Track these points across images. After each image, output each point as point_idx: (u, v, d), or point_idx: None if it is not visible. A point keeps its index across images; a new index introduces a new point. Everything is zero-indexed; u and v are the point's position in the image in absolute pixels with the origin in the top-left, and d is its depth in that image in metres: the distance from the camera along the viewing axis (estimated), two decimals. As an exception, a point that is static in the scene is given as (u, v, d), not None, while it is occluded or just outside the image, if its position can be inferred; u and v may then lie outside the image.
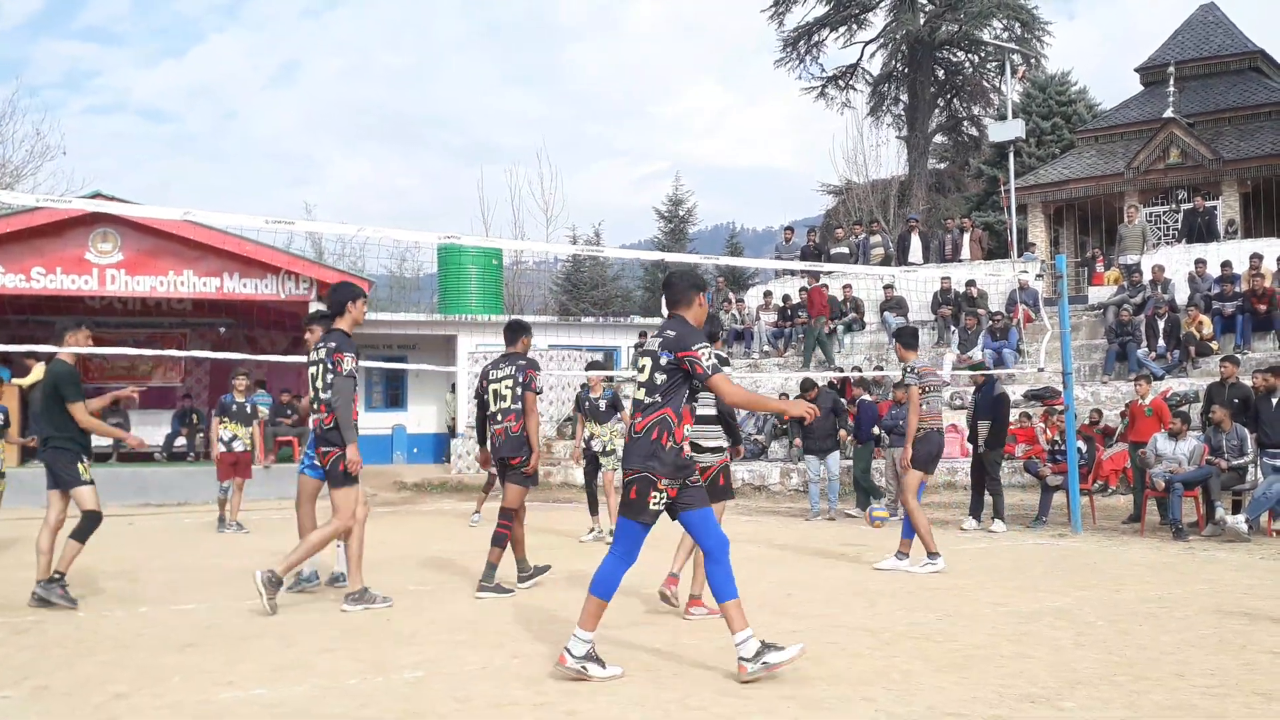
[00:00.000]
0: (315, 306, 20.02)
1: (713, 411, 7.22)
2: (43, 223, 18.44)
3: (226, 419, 13.63)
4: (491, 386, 8.33)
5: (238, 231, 18.96)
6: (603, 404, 12.26)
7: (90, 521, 7.77)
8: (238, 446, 13.56)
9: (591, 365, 13.37)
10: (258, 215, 9.32)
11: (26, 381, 19.02)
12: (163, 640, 6.46)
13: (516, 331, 8.55)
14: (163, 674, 5.58)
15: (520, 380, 8.19)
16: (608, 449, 12.11)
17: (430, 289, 33.78)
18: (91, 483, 7.81)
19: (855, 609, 7.35)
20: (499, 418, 8.24)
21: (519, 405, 8.16)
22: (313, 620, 7.09)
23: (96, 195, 18.48)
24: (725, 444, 7.38)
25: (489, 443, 8.41)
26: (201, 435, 21.09)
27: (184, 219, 14.14)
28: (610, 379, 12.57)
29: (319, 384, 7.58)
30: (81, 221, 18.85)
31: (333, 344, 7.49)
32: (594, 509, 12.31)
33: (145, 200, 22.02)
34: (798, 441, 14.62)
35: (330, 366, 7.43)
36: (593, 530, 12.08)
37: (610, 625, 6.25)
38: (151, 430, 21.04)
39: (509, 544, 8.41)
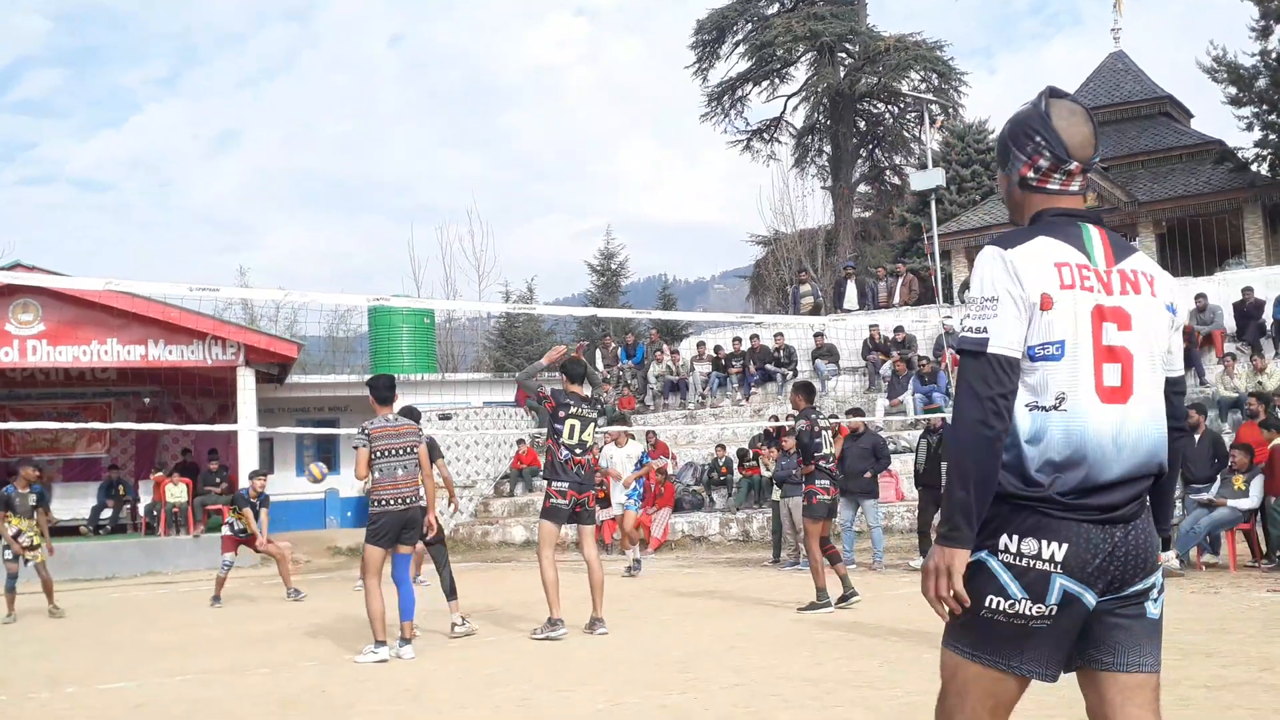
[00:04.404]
0: (243, 372, 19.82)
1: None
2: (-40, 294, 18.08)
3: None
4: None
5: (162, 298, 18.71)
6: (32, 499, 12.00)
7: None
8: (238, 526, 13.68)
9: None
10: (181, 283, 9.20)
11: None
12: (89, 722, 6.26)
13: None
14: (89, 758, 5.41)
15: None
16: (35, 543, 11.93)
17: (365, 350, 33.45)
18: None
19: (798, 659, 7.34)
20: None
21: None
22: (253, 692, 6.93)
23: (15, 266, 18.17)
24: None
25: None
26: (129, 507, 20.63)
27: (106, 289, 13.90)
28: None
29: (585, 436, 8.63)
30: (1, 293, 18.50)
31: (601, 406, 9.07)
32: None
33: (73, 268, 21.72)
34: None
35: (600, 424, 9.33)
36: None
37: None
38: (77, 504, 20.54)
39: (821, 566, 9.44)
